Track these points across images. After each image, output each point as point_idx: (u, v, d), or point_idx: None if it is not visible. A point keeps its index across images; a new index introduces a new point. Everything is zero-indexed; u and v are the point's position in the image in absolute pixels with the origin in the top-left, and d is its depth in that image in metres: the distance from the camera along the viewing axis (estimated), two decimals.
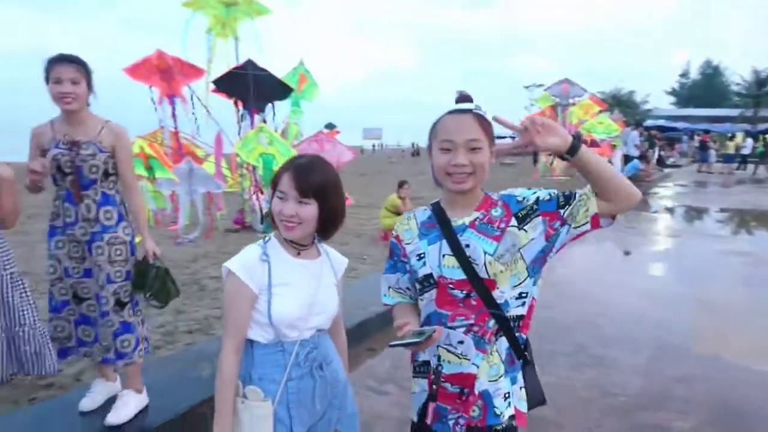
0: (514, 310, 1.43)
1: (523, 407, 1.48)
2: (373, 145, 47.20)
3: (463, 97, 1.43)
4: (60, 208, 2.37)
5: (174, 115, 8.25)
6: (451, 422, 1.43)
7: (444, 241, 1.42)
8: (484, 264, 1.37)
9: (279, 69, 8.86)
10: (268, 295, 1.45)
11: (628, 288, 5.64)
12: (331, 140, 9.19)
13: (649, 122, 29.38)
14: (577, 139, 1.31)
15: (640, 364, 3.68)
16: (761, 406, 3.14)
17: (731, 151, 25.59)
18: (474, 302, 1.40)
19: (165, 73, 7.96)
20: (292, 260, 1.51)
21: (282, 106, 9.23)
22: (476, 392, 1.40)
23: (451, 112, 1.42)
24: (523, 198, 1.42)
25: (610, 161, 18.16)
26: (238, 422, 1.43)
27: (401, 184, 7.93)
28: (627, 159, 16.30)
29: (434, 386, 1.45)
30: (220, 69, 8.18)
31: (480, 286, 1.38)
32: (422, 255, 1.46)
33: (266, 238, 1.53)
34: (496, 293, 1.39)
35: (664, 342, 4.09)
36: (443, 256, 1.42)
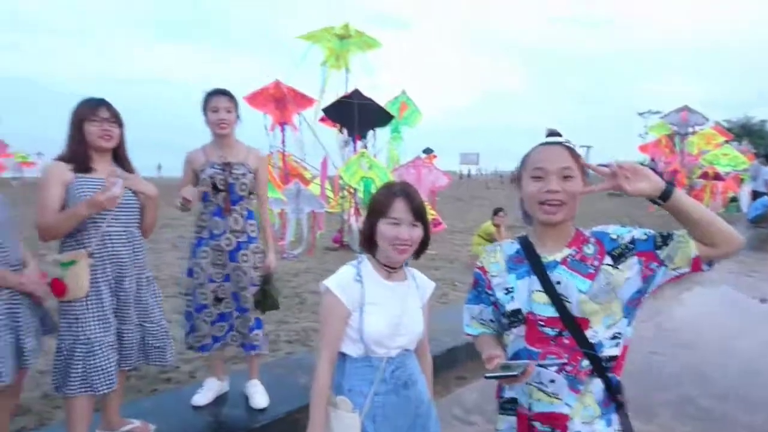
0: (608, 351, 1.39)
1: None
2: (468, 171, 46.50)
3: (553, 133, 1.47)
4: (209, 221, 2.72)
5: (283, 141, 8.93)
6: None
7: (534, 277, 1.42)
8: (578, 302, 1.35)
9: (383, 97, 9.27)
10: (360, 312, 1.57)
11: (749, 339, 5.08)
12: (428, 165, 9.39)
13: None
14: (670, 184, 1.29)
15: (757, 425, 3.31)
16: None
17: None
18: (566, 341, 1.38)
19: (279, 101, 8.67)
20: (382, 282, 1.63)
21: (382, 133, 9.62)
22: None
23: (542, 144, 1.46)
24: (618, 236, 1.40)
25: (735, 198, 16.46)
26: (328, 429, 1.55)
27: (496, 212, 7.83)
28: (756, 195, 14.65)
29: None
30: (331, 98, 8.74)
31: (572, 325, 1.36)
32: (510, 289, 1.46)
33: (359, 260, 1.66)
34: (589, 333, 1.37)
35: None
36: (533, 291, 1.41)
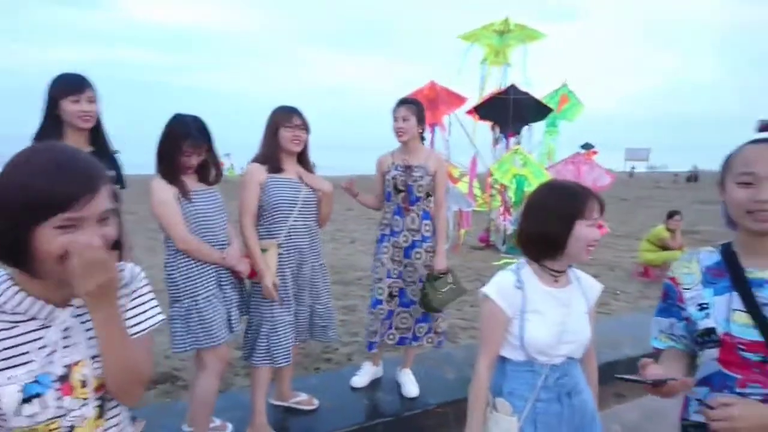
0: None
1: None
2: (632, 168, 41.66)
3: (766, 127, 1.27)
4: (390, 219, 2.93)
5: (432, 143, 9.05)
6: None
7: (735, 294, 1.26)
8: None
9: (542, 90, 8.89)
10: (521, 320, 1.52)
11: None
12: (589, 162, 8.76)
13: None
14: None
15: None
16: None
17: None
18: None
19: (431, 102, 8.80)
20: (544, 288, 1.55)
21: (538, 127, 9.23)
22: None
23: (753, 142, 1.26)
24: None
25: None
26: (485, 431, 1.53)
27: (671, 215, 6.92)
28: None
29: None
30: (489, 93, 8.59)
31: None
32: (705, 306, 1.31)
33: (518, 266, 1.59)
34: None
35: None
36: (733, 311, 1.25)
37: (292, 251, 2.47)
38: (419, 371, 3.11)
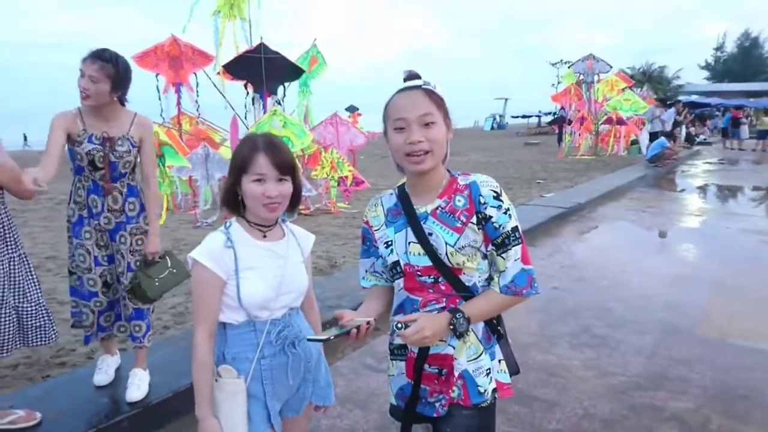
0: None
1: (505, 378, 1.50)
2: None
3: (412, 76, 1.42)
4: (86, 199, 2.46)
5: (179, 103, 8.37)
6: (433, 402, 1.44)
7: (409, 229, 1.44)
8: (446, 254, 1.39)
9: (293, 51, 8.89)
10: (236, 279, 1.48)
11: (641, 270, 5.56)
12: (345, 123, 9.23)
13: (680, 98, 28.36)
14: (457, 314, 1.36)
15: (644, 346, 3.65)
16: (761, 388, 3.09)
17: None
18: (443, 287, 1.42)
19: (174, 60, 8.06)
20: (257, 243, 1.53)
21: (292, 88, 9.26)
22: (456, 373, 1.42)
23: (400, 91, 1.41)
24: (484, 203, 1.38)
25: (636, 140, 17.69)
26: (213, 400, 1.48)
27: None
28: (653, 137, 15.83)
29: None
30: (229, 53, 8.20)
31: (447, 273, 1.41)
32: (389, 243, 1.48)
33: (227, 224, 1.55)
34: (463, 277, 1.42)
35: (671, 324, 4.03)
36: (409, 243, 1.44)
37: None
38: (174, 354, 2.88)
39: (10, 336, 2.14)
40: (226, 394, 1.47)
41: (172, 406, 2.58)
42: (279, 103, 9.11)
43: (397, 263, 1.46)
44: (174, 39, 7.79)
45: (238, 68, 7.99)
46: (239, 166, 1.47)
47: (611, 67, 18.20)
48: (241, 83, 8.46)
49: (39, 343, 2.27)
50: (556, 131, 21.57)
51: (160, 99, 8.32)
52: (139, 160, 2.55)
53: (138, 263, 2.54)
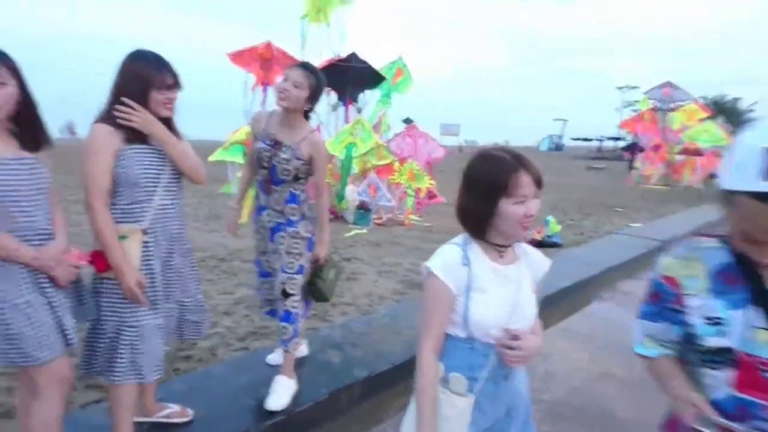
0: None
1: None
2: (465, 142, 45.83)
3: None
4: (258, 191, 2.61)
5: (263, 102, 8.55)
6: None
7: (755, 309, 1.12)
8: None
9: (377, 62, 8.97)
10: (465, 298, 1.42)
11: None
12: (423, 135, 9.21)
13: None
14: None
15: None
16: None
17: None
18: None
19: (265, 62, 8.28)
20: (492, 265, 1.45)
21: (372, 95, 9.34)
22: None
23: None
24: None
25: (714, 174, 16.81)
26: (438, 416, 1.40)
27: None
28: None
29: None
30: (312, 55, 8.34)
31: None
32: (718, 321, 1.15)
33: (465, 240, 1.48)
34: None
35: None
36: (754, 329, 1.12)
37: (161, 239, 1.99)
38: (299, 361, 2.86)
39: (172, 329, 2.17)
40: (456, 410, 1.40)
41: (314, 415, 2.56)
42: (359, 111, 9.23)
43: (726, 350, 1.14)
44: (268, 43, 8.00)
45: (325, 75, 8.10)
46: (498, 188, 1.36)
47: (690, 95, 17.50)
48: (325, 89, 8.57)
49: (193, 337, 2.28)
50: (628, 157, 20.88)
51: (246, 97, 8.53)
52: (303, 172, 2.53)
53: (310, 269, 2.62)
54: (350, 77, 8.36)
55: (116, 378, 1.90)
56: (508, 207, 1.35)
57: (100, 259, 1.88)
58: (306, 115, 2.56)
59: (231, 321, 3.73)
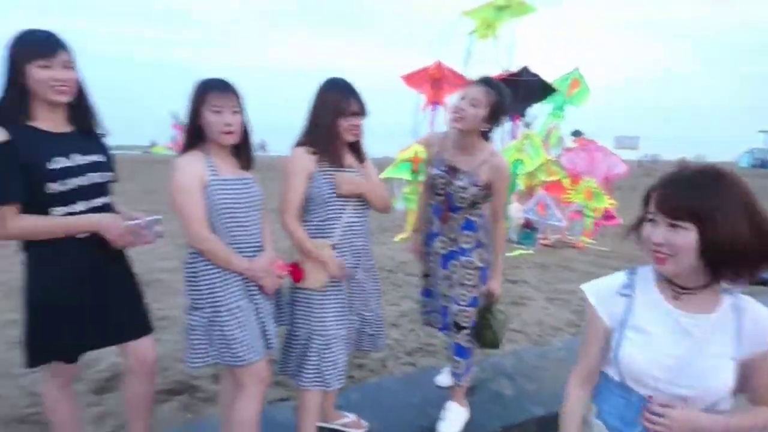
0: None
1: None
2: (647, 156, 41.48)
3: None
4: (431, 216, 2.51)
5: (432, 122, 8.69)
6: None
7: None
8: None
9: (551, 74, 8.58)
10: (619, 335, 1.25)
11: None
12: (602, 150, 8.49)
13: None
14: None
15: None
16: None
17: None
18: None
19: (435, 82, 8.45)
20: (662, 304, 1.22)
21: (541, 109, 8.92)
22: None
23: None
24: None
25: None
26: None
27: None
28: None
29: None
30: (477, 70, 8.25)
31: None
32: None
33: (637, 268, 1.31)
34: None
35: None
36: None
37: (347, 253, 2.11)
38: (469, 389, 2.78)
39: (352, 340, 2.25)
40: None
41: None
42: (527, 126, 8.89)
43: None
44: (438, 63, 8.16)
45: None
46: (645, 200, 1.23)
47: None
48: None
49: (369, 349, 2.36)
50: None
51: (416, 117, 8.82)
52: (480, 198, 2.39)
53: (482, 305, 2.44)
54: (519, 91, 8.10)
55: (303, 383, 2.05)
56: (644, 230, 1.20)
57: (297, 271, 2.05)
58: (485, 135, 2.38)
59: (399, 333, 3.81)
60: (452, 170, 2.36)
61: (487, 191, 2.36)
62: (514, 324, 4.09)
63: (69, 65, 1.73)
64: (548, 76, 8.35)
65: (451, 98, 8.58)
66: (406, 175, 7.62)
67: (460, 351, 2.46)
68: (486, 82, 2.30)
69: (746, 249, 1.10)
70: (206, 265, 1.84)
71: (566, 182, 8.08)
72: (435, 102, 8.69)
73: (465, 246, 2.41)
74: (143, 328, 2.00)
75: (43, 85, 1.67)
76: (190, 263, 1.88)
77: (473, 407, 2.60)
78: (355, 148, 2.15)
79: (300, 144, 2.06)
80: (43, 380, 1.92)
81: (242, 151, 1.95)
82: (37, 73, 1.66)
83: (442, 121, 8.82)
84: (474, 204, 2.38)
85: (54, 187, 1.70)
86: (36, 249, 1.74)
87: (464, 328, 2.43)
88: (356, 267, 2.16)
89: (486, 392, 2.87)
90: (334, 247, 2.06)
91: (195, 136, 1.85)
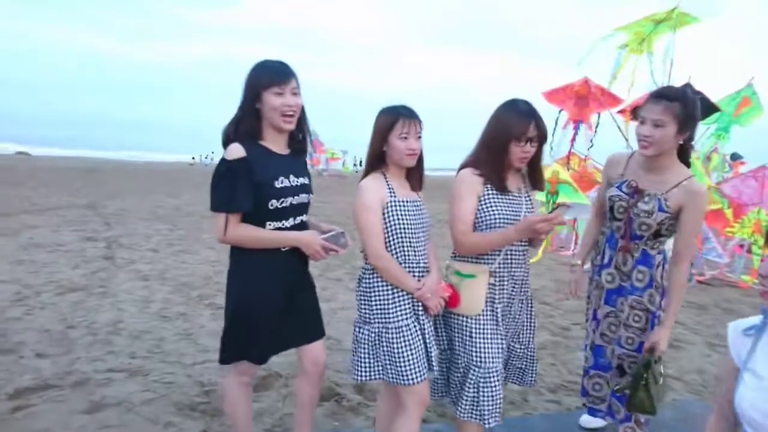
0: None
1: None
2: None
3: None
4: (603, 245, 2.34)
5: (573, 140, 8.22)
6: None
7: None
8: None
9: (719, 90, 7.70)
10: (739, 375, 1.25)
11: None
12: None
13: None
14: None
15: None
16: None
17: None
18: None
19: (580, 99, 8.02)
20: None
21: (703, 130, 8.02)
22: None
23: None
24: None
25: None
26: None
27: None
28: None
29: None
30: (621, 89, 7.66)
31: None
32: None
33: None
34: None
35: None
36: None
37: (506, 282, 2.04)
38: None
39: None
40: None
41: None
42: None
43: None
44: (585, 80, 7.76)
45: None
46: None
47: None
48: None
49: (515, 382, 2.28)
50: None
51: (554, 135, 8.44)
52: (667, 228, 2.17)
53: (643, 360, 2.13)
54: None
55: (461, 414, 2.02)
56: None
57: (454, 295, 2.01)
58: (684, 154, 2.15)
59: (539, 367, 3.63)
60: (637, 192, 2.16)
61: (676, 220, 2.13)
62: (670, 369, 3.69)
63: (296, 92, 1.92)
64: (714, 94, 7.51)
65: (597, 116, 8.17)
66: (542, 197, 7.33)
67: (620, 398, 2.27)
68: (662, 95, 2.09)
69: None
70: (380, 281, 1.92)
71: (728, 213, 7.17)
72: (578, 120, 8.28)
73: (637, 283, 2.22)
74: (319, 332, 2.16)
75: (276, 112, 1.87)
76: (364, 279, 1.97)
77: None
78: (530, 174, 2.11)
79: (466, 165, 2.04)
80: (229, 376, 2.12)
81: (415, 174, 2.01)
82: (273, 99, 1.86)
83: (583, 140, 8.38)
84: (657, 234, 2.16)
85: (275, 203, 1.90)
86: (247, 257, 1.93)
87: (627, 373, 2.25)
88: (513, 297, 2.09)
89: None
90: (492, 274, 2.01)
91: (378, 159, 1.96)
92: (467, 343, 2.02)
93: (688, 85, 7.21)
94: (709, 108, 7.53)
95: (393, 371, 1.89)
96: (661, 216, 2.11)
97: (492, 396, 1.97)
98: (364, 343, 1.95)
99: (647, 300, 2.20)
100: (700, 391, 3.41)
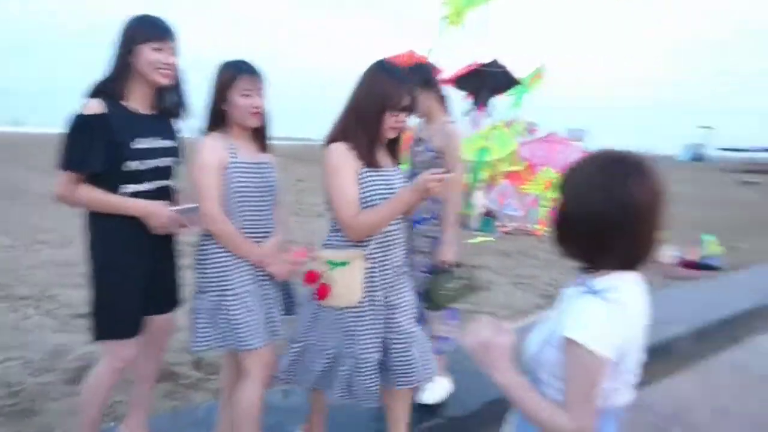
0: None
1: None
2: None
3: None
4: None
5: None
6: None
7: None
8: None
9: (522, 69, 8.78)
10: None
11: None
12: (562, 142, 8.80)
13: None
14: None
15: None
16: None
17: None
18: None
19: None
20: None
21: (502, 100, 9.15)
22: None
23: None
24: None
25: None
26: None
27: None
28: None
29: None
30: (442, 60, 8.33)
31: None
32: None
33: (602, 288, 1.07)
34: None
35: None
36: None
37: (387, 266, 1.85)
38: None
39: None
40: None
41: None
42: (490, 116, 9.10)
43: None
44: (411, 53, 8.17)
45: (465, 81, 8.12)
46: None
47: None
48: (462, 93, 8.62)
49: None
50: None
51: None
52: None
53: (430, 269, 2.36)
54: (487, 82, 8.27)
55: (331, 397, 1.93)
56: None
57: (322, 286, 1.78)
58: (442, 104, 2.51)
59: None
60: (417, 141, 2.54)
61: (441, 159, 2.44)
62: (485, 307, 4.25)
63: (175, 53, 1.82)
64: (520, 71, 8.53)
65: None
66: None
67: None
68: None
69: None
70: (217, 249, 1.83)
71: (525, 173, 8.34)
72: None
73: (423, 214, 2.46)
74: (172, 303, 2.07)
75: (151, 67, 1.76)
76: (201, 246, 1.87)
77: (453, 385, 2.70)
78: (392, 146, 1.90)
79: (335, 138, 1.79)
80: (102, 361, 1.94)
81: (261, 135, 1.94)
82: (150, 54, 1.74)
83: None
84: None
85: (133, 165, 1.78)
86: (107, 223, 1.80)
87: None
88: (393, 286, 1.89)
89: (465, 371, 2.94)
90: (367, 258, 1.80)
91: (217, 117, 1.84)
92: (343, 335, 1.84)
93: (494, 61, 8.16)
94: (512, 81, 8.63)
95: (233, 338, 1.83)
96: (428, 155, 2.47)
97: (367, 387, 1.85)
98: (202, 313, 1.86)
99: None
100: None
